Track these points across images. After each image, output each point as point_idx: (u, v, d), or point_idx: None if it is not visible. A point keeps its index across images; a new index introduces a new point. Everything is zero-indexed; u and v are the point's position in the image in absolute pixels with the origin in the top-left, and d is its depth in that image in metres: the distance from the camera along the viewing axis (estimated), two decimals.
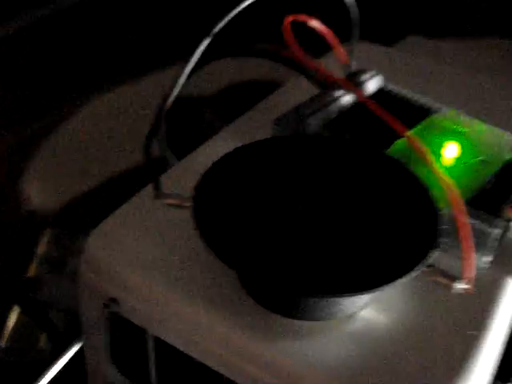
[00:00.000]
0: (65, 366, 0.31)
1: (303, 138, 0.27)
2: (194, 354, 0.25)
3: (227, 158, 0.25)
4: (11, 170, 0.58)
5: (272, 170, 0.25)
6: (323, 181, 0.25)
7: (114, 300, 0.26)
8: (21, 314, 0.50)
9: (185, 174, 0.27)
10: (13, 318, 0.49)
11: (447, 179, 0.23)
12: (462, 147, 0.31)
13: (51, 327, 0.49)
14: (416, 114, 0.32)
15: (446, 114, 0.32)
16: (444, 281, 0.22)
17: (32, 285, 0.51)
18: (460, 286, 0.22)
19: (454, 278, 0.22)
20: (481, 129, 0.32)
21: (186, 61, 0.27)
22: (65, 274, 0.51)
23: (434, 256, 0.22)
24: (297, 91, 0.33)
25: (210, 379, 0.27)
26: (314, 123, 0.30)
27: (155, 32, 0.67)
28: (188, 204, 0.24)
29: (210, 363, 0.25)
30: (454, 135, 0.31)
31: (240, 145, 0.26)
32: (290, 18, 0.31)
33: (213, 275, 0.25)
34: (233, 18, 0.28)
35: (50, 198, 0.57)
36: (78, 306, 0.29)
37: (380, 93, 0.33)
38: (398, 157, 0.27)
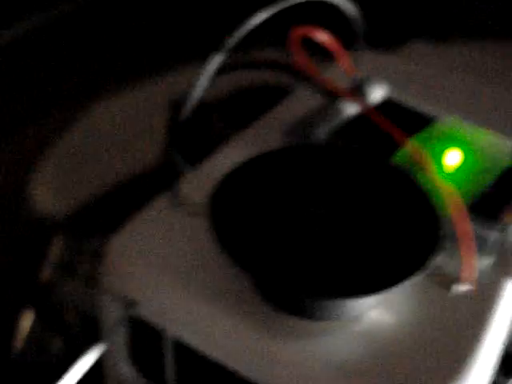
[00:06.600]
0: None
1: (316, 147, 0.29)
2: (209, 353, 0.27)
3: (243, 167, 0.27)
4: (18, 176, 0.59)
5: (286, 178, 0.27)
6: (333, 188, 0.26)
7: (133, 303, 0.28)
8: (34, 316, 0.51)
9: (197, 183, 0.29)
10: (26, 321, 0.50)
11: (447, 185, 0.25)
12: (464, 154, 0.32)
13: (66, 330, 0.50)
14: (419, 123, 0.33)
15: (448, 122, 0.34)
16: (446, 283, 0.24)
17: (46, 289, 0.52)
18: (462, 287, 0.24)
19: (456, 280, 0.24)
20: (482, 135, 0.33)
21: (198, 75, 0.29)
22: (77, 278, 0.52)
23: (436, 259, 0.24)
24: (303, 101, 0.34)
25: (223, 380, 0.28)
26: (321, 133, 0.31)
27: (156, 37, 0.69)
28: (204, 211, 0.25)
29: (224, 362, 0.26)
30: (456, 143, 0.33)
31: (253, 154, 0.28)
32: (299, 31, 0.32)
33: (229, 279, 0.26)
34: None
35: (60, 203, 0.58)
36: (97, 309, 0.30)
37: (385, 102, 0.35)
38: (401, 164, 0.28)
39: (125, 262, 0.27)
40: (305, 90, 0.34)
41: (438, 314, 0.25)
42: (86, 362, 0.27)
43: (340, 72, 0.36)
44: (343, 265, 0.24)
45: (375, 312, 0.26)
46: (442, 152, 0.32)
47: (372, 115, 0.26)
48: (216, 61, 0.28)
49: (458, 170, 0.31)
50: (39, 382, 0.49)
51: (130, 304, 0.28)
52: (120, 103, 0.63)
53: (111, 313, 0.29)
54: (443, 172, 0.31)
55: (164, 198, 0.28)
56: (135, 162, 0.60)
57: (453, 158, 0.32)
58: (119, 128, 0.62)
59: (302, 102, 0.34)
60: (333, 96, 0.33)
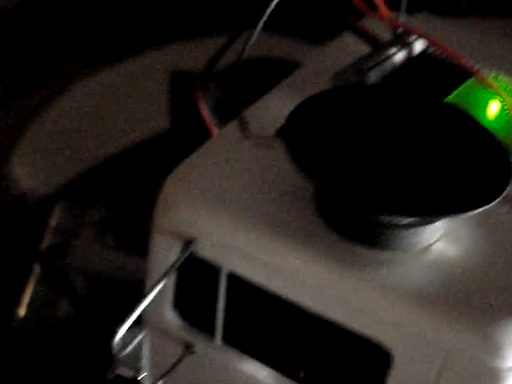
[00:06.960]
0: None
1: (378, 87, 0.29)
2: (273, 287, 0.26)
3: (308, 101, 0.27)
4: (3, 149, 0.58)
5: (349, 114, 0.27)
6: (401, 122, 0.27)
7: (192, 240, 0.27)
8: (39, 282, 0.50)
9: (257, 119, 0.29)
10: (31, 287, 0.49)
11: None
12: (502, 104, 0.33)
13: (73, 293, 0.49)
14: (459, 75, 0.34)
15: (488, 75, 0.35)
16: None
17: (49, 252, 0.51)
18: None
19: None
20: None
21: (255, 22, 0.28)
22: (81, 241, 0.51)
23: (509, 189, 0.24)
24: (349, 48, 0.34)
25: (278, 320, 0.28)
26: (372, 77, 0.32)
27: (148, 9, 0.68)
28: (271, 144, 0.25)
29: (289, 295, 0.26)
30: (494, 93, 0.33)
31: (310, 94, 0.28)
32: None
33: (295, 211, 0.26)
34: None
35: (53, 174, 0.57)
36: (150, 251, 0.29)
37: (423, 55, 0.35)
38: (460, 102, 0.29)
39: (184, 196, 0.27)
40: (349, 38, 0.34)
41: (502, 244, 0.26)
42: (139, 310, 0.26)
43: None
44: (416, 192, 0.24)
45: (440, 244, 0.26)
46: (484, 102, 0.33)
47: (441, 48, 0.27)
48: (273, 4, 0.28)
49: (499, 119, 0.32)
50: (42, 348, 0.47)
51: (188, 242, 0.27)
52: (102, 78, 0.62)
53: (166, 253, 0.28)
54: (487, 119, 0.31)
55: (226, 131, 0.28)
56: (123, 132, 0.60)
57: (494, 108, 0.32)
58: (103, 102, 0.61)
59: (347, 48, 0.34)
60: (376, 44, 0.34)
